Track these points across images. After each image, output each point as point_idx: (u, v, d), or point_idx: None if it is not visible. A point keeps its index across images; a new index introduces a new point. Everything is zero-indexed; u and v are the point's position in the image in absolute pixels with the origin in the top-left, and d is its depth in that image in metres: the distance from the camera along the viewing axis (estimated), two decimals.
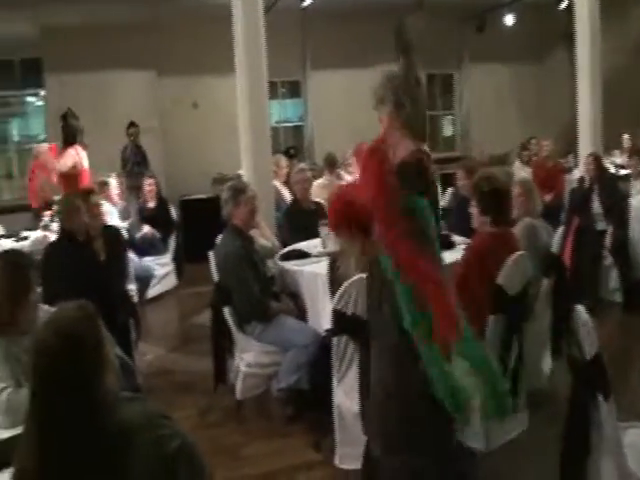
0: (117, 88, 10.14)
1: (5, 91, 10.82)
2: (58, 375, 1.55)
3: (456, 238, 4.48)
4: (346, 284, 3.07)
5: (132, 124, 9.39)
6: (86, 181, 7.17)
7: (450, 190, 6.84)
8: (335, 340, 3.13)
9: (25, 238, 6.91)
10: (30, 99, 11.13)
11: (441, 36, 11.40)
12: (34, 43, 9.97)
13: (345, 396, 3.15)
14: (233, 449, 3.82)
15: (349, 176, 7.59)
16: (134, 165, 9.10)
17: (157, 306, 7.14)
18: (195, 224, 8.52)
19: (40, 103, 10.92)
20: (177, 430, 1.68)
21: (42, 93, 10.64)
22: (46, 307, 2.81)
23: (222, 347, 4.28)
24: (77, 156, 7.17)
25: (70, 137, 7.08)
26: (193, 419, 4.21)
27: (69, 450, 1.52)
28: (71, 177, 6.93)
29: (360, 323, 2.98)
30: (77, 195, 4.88)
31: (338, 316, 3.07)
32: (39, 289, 4.41)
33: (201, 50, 9.90)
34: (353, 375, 3.07)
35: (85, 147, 7.58)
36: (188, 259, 7.87)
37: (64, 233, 4.55)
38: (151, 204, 7.86)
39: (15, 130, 11.52)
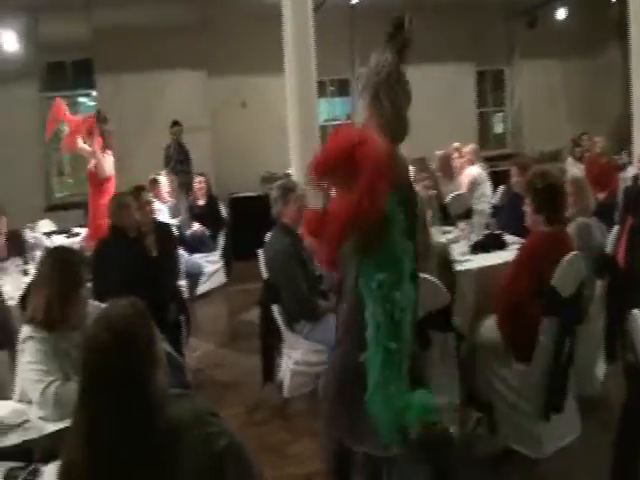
0: (167, 88, 10.27)
1: (57, 92, 11.08)
2: (109, 371, 1.56)
3: (508, 237, 4.40)
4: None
5: (175, 123, 9.54)
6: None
7: (502, 188, 6.74)
8: None
9: (76, 234, 7.06)
10: (82, 99, 11.36)
11: (492, 32, 11.31)
12: (86, 44, 10.17)
13: None
14: (279, 447, 3.82)
15: None
16: (177, 163, 9.23)
17: (206, 303, 7.21)
18: (244, 222, 8.55)
19: (92, 103, 11.15)
20: (225, 428, 1.68)
21: (93, 94, 10.85)
22: (96, 303, 2.85)
23: (270, 345, 4.29)
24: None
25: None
26: (240, 417, 4.23)
27: (118, 445, 1.53)
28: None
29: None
30: (128, 192, 4.95)
31: None
32: (89, 285, 4.56)
33: (250, 50, 9.97)
34: None
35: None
36: (237, 256, 7.92)
37: (115, 230, 4.62)
38: (201, 202, 7.95)
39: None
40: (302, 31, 5.03)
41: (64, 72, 10.95)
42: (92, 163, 6.61)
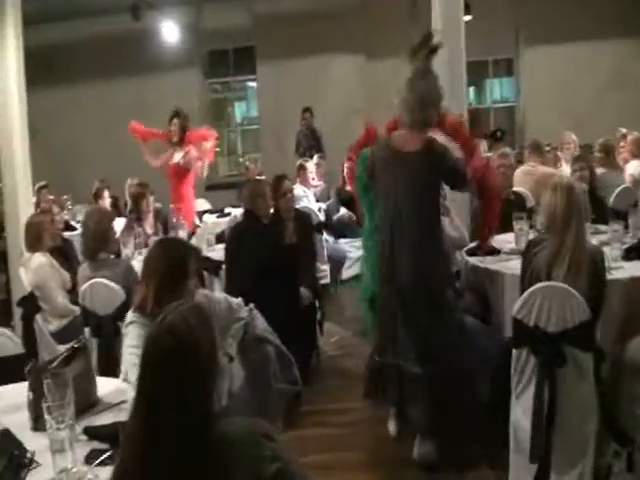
0: (326, 73, 10.29)
1: (219, 78, 11.56)
2: (167, 377, 1.50)
3: None
4: (529, 291, 2.76)
5: (306, 109, 9.53)
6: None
7: None
8: (515, 352, 2.84)
9: (227, 214, 7.24)
10: (251, 84, 11.77)
11: None
12: (247, 32, 10.45)
13: (523, 414, 2.85)
14: (404, 449, 3.60)
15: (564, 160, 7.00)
16: (307, 149, 9.28)
17: (350, 288, 7.13)
18: None
19: (254, 85, 11.55)
20: (278, 453, 1.56)
21: (253, 79, 11.20)
22: (204, 292, 2.83)
23: None
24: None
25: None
26: (363, 411, 4.08)
27: (171, 456, 1.47)
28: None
29: (543, 338, 2.65)
30: (265, 180, 4.97)
31: (518, 326, 2.77)
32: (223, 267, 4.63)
33: (408, 33, 9.69)
34: (533, 393, 2.77)
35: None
36: None
37: (248, 215, 4.65)
38: (349, 187, 7.86)
39: (237, 111, 12.26)
40: (451, 9, 4.77)
41: (226, 59, 11.36)
42: (180, 157, 6.72)
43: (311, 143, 9.41)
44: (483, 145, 7.21)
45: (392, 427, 3.72)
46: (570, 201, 2.88)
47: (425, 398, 3.28)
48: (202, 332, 1.56)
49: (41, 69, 9.89)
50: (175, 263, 2.58)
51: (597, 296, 2.83)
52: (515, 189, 5.37)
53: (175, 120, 6.80)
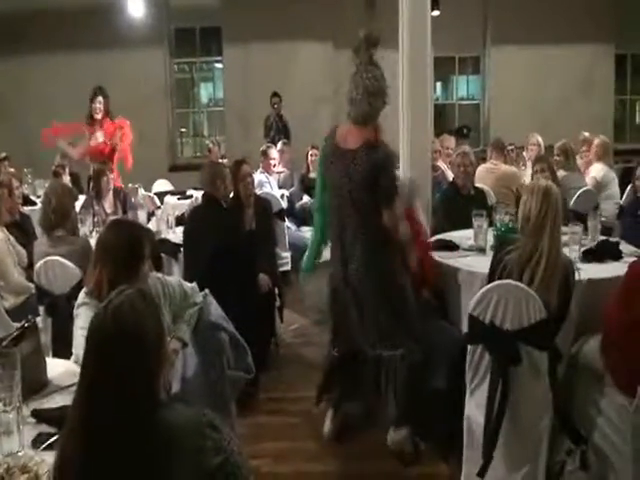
0: (294, 59, 10.23)
1: (185, 58, 11.42)
2: (109, 362, 1.48)
3: (625, 247, 3.85)
4: (486, 288, 2.79)
5: (275, 94, 9.51)
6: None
7: (629, 188, 6.00)
8: (470, 348, 2.86)
9: (189, 197, 7.14)
10: (218, 65, 11.63)
11: (636, 11, 10.31)
12: (215, 12, 10.32)
13: (477, 409, 2.89)
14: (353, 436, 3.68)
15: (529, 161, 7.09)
16: (276, 134, 9.23)
17: (311, 277, 7.11)
18: None
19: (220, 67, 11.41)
20: (223, 445, 1.54)
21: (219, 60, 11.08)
22: (156, 275, 2.78)
23: None
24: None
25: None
26: None
27: (111, 444, 1.45)
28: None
29: (498, 335, 2.68)
30: (225, 164, 4.92)
31: (474, 323, 2.80)
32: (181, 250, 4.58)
33: (378, 23, 9.67)
34: (487, 388, 2.80)
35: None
36: None
37: (207, 199, 4.59)
38: (313, 174, 7.84)
39: (204, 93, 12.15)
40: (417, 4, 4.75)
41: (193, 39, 11.20)
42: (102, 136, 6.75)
43: (280, 129, 9.37)
44: (451, 141, 7.23)
45: (327, 427, 3.66)
46: (546, 205, 2.88)
47: (394, 381, 3.36)
48: (148, 317, 1.54)
49: (6, 38, 9.63)
50: (129, 245, 2.52)
51: (567, 299, 2.85)
52: (476, 185, 5.42)
53: (100, 98, 6.75)
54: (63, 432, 1.59)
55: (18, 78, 9.85)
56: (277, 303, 5.00)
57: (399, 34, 4.90)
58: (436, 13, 7.77)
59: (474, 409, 2.91)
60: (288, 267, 6.22)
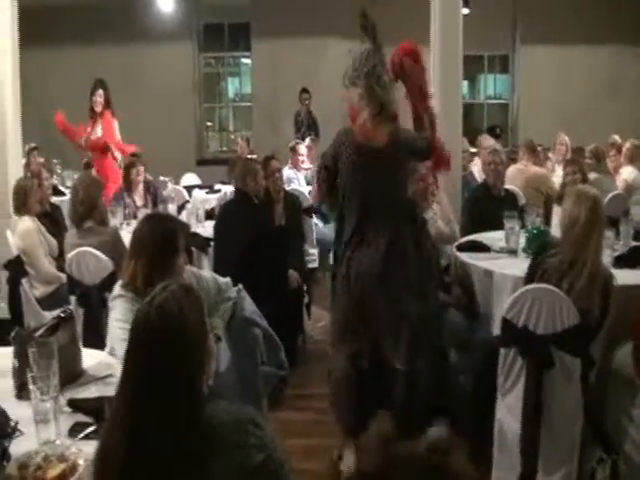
0: (322, 55, 10.20)
1: (214, 53, 11.46)
2: (156, 355, 1.47)
3: None
4: (520, 291, 2.76)
5: (304, 90, 9.48)
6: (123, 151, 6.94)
7: None
8: (502, 351, 2.84)
9: (217, 191, 7.18)
10: (245, 61, 11.65)
11: None
12: (244, 8, 10.35)
13: (508, 412, 2.86)
14: (385, 437, 3.59)
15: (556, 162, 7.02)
16: (307, 130, 9.27)
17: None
18: None
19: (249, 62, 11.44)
20: (266, 442, 1.54)
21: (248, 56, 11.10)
22: (192, 269, 2.81)
23: None
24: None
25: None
26: None
27: (155, 438, 1.45)
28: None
29: (531, 339, 2.66)
30: (256, 159, 4.94)
31: (507, 326, 2.77)
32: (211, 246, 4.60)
33: (405, 21, 9.62)
34: (519, 392, 2.78)
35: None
36: None
37: (238, 194, 4.61)
38: None
39: (230, 88, 12.19)
40: (449, 2, 4.74)
41: (222, 34, 11.24)
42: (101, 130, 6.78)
43: (310, 125, 9.38)
44: (490, 141, 7.15)
45: (349, 462, 3.26)
46: (595, 215, 2.83)
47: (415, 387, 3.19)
48: (192, 313, 1.53)
49: (35, 30, 9.71)
50: (164, 239, 2.54)
51: (605, 308, 2.81)
52: (507, 187, 5.38)
53: (100, 91, 6.75)
54: (106, 424, 1.59)
55: (47, 71, 9.93)
56: (305, 300, 4.99)
57: (431, 32, 4.89)
58: (466, 11, 7.71)
59: (505, 412, 2.88)
60: (316, 264, 6.21)
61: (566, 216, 2.91)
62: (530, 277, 2.99)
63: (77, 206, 4.11)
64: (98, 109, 6.74)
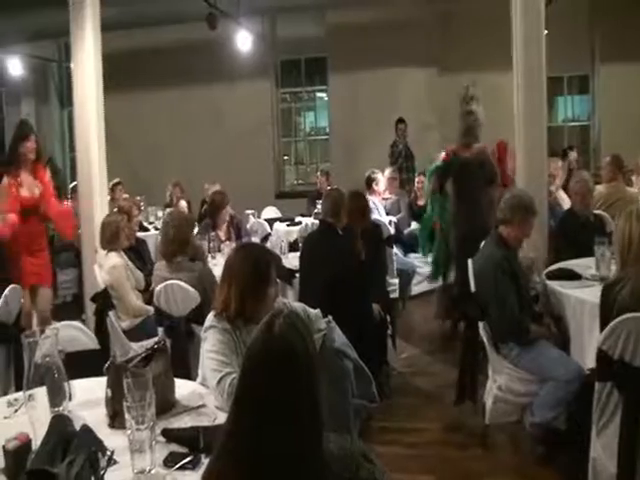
0: (397, 85, 10.25)
1: (291, 88, 11.70)
2: (278, 382, 1.41)
3: None
4: (615, 322, 2.64)
5: (400, 120, 9.47)
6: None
7: None
8: (598, 385, 2.72)
9: (298, 223, 7.25)
10: (320, 95, 11.84)
11: None
12: (319, 43, 10.56)
13: (603, 451, 2.74)
14: (474, 477, 3.56)
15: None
16: (404, 160, 9.23)
17: (419, 304, 7.02)
18: None
19: (325, 98, 11.61)
20: (378, 477, 1.49)
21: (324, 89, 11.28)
22: (283, 300, 2.83)
23: (472, 363, 4.03)
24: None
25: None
26: (437, 434, 4.05)
27: (279, 470, 1.38)
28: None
29: (628, 372, 2.54)
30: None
31: (603, 359, 2.66)
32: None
33: (484, 46, 9.56)
34: (615, 429, 2.65)
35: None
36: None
37: (324, 225, 4.61)
38: (421, 202, 7.79)
39: (307, 122, 12.43)
40: (531, 24, 4.68)
41: (298, 69, 11.49)
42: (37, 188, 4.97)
43: (408, 155, 9.39)
44: (556, 162, 7.02)
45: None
46: None
47: None
48: (309, 338, 1.50)
49: (119, 75, 10.19)
50: (258, 268, 2.57)
51: None
52: (596, 212, 5.22)
53: (33, 136, 5.00)
54: (216, 457, 1.51)
55: (129, 112, 10.36)
56: (389, 331, 4.94)
57: (513, 55, 4.83)
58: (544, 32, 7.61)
59: (600, 451, 2.75)
60: (396, 294, 6.15)
61: (619, 239, 2.81)
62: (606, 319, 2.78)
63: (168, 243, 4.22)
64: (32, 156, 4.98)
